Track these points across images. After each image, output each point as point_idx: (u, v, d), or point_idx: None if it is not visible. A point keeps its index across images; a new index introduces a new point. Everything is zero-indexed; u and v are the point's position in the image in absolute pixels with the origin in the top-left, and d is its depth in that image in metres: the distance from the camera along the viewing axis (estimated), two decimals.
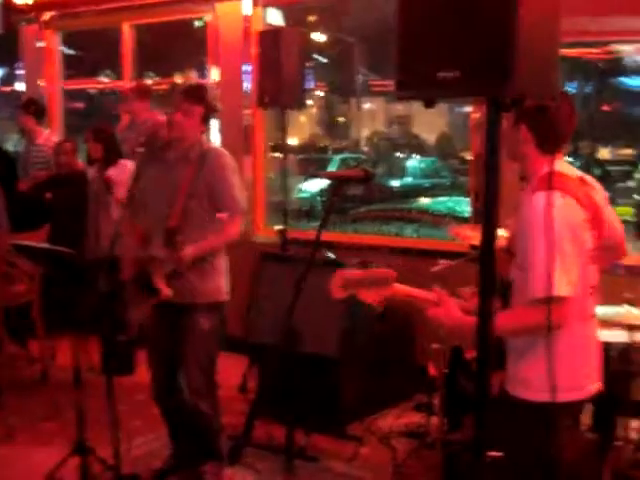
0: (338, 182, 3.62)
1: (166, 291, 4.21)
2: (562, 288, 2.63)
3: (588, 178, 3.04)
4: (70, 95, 9.99)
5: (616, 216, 3.15)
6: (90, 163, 6.62)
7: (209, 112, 4.52)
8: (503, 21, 1.94)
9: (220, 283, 4.58)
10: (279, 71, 6.04)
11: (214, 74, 7.62)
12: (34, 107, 7.95)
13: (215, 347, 4.59)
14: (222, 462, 4.69)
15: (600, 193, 3.04)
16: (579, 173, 3.01)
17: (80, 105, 12.25)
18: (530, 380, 2.85)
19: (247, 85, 7.35)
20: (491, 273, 2.09)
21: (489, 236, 2.09)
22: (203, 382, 4.54)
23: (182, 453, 4.81)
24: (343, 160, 14.33)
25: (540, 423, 2.81)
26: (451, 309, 2.89)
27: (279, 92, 6.06)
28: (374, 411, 5.75)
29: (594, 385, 2.98)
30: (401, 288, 2.95)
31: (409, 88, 2.19)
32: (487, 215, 2.09)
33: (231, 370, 6.01)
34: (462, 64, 1.99)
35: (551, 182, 2.47)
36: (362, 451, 5.26)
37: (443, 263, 4.86)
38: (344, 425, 5.49)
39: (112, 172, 6.30)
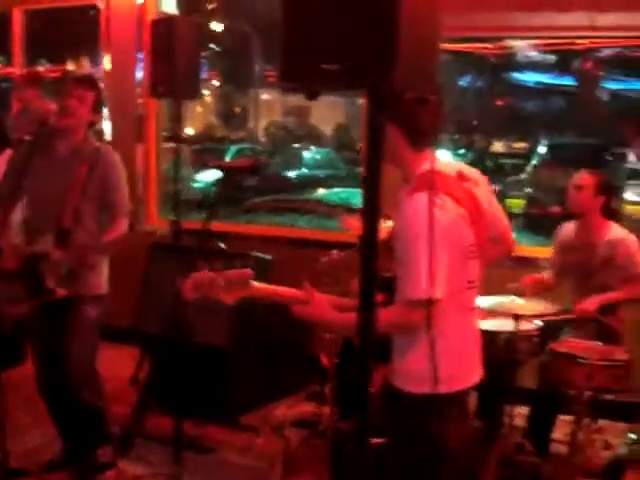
0: (226, 172, 3.62)
1: (60, 292, 4.18)
2: (436, 291, 2.68)
3: (470, 171, 3.08)
4: None
5: (501, 209, 3.21)
6: None
7: (101, 99, 4.50)
8: (385, 14, 1.96)
9: (103, 276, 4.61)
10: (173, 60, 5.97)
11: (107, 62, 7.51)
12: None
13: (98, 337, 4.61)
14: (112, 446, 4.68)
15: (483, 186, 3.08)
16: (458, 167, 3.05)
17: None
18: (413, 373, 2.89)
19: (141, 74, 7.27)
20: (372, 267, 2.12)
21: (370, 230, 2.12)
22: (87, 371, 4.57)
23: (71, 444, 4.75)
24: (239, 150, 14.29)
25: (425, 415, 2.86)
26: (320, 306, 2.91)
27: (173, 81, 5.99)
28: (268, 401, 5.77)
29: (475, 374, 3.04)
30: (262, 287, 2.95)
31: (293, 79, 2.20)
32: (368, 209, 2.12)
33: (122, 362, 5.96)
34: (344, 56, 2.01)
35: (428, 182, 2.50)
36: (256, 441, 5.28)
37: (333, 254, 4.90)
38: (238, 416, 5.50)
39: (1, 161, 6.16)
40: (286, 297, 2.98)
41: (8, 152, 6.16)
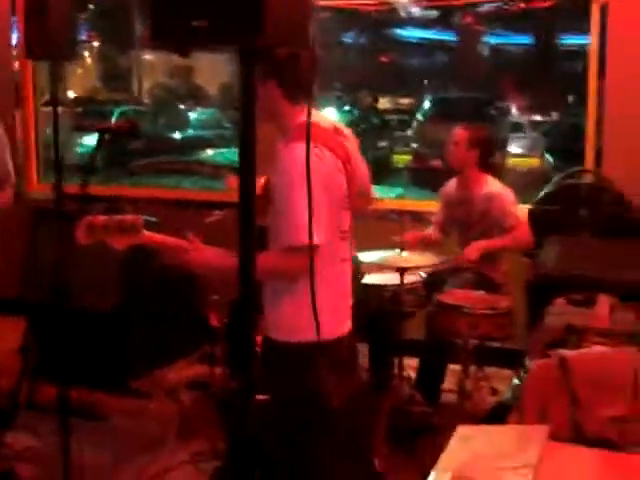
0: (106, 135, 3.55)
1: None
2: (316, 236, 2.72)
3: (341, 127, 3.16)
4: None
5: (366, 165, 3.31)
6: None
7: None
8: None
9: None
10: (47, 20, 5.80)
11: None
12: None
13: None
14: None
15: (353, 142, 3.17)
16: (333, 122, 3.12)
17: None
18: (288, 321, 2.95)
19: (16, 37, 7.07)
20: (250, 221, 2.12)
21: (246, 187, 2.11)
22: None
23: None
24: (123, 113, 14.02)
25: (299, 363, 2.91)
26: (204, 253, 2.94)
27: (48, 42, 5.82)
28: (160, 365, 5.74)
29: (346, 325, 3.10)
30: (152, 235, 2.96)
31: (164, 37, 2.16)
32: (244, 166, 2.11)
33: (10, 333, 5.82)
34: (213, 12, 1.98)
35: (305, 133, 2.51)
36: (150, 406, 5.25)
37: (216, 214, 4.88)
38: (130, 381, 5.46)
39: None
40: (173, 245, 2.99)
41: None
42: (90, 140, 12.67)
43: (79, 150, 11.86)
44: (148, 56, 16.07)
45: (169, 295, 5.87)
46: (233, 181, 5.23)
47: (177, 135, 13.55)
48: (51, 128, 6.92)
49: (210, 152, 12.50)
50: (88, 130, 12.34)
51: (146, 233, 2.90)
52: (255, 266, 2.07)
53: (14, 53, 7.10)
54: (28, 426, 4.82)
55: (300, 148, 2.65)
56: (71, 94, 13.98)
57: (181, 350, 5.90)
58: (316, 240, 2.72)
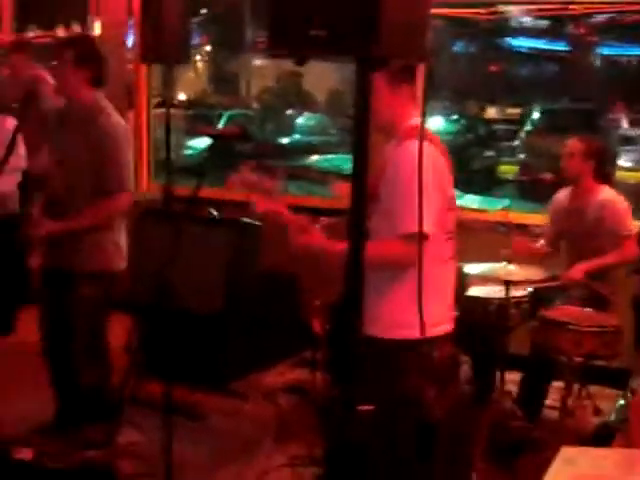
0: (217, 139, 3.61)
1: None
2: (428, 226, 2.81)
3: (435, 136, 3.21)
4: None
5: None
6: None
7: (84, 55, 4.36)
8: None
9: (108, 252, 4.49)
10: (163, 25, 5.93)
11: (97, 28, 7.46)
12: None
13: (99, 316, 4.53)
14: (105, 424, 4.66)
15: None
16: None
17: None
18: (388, 318, 3.01)
19: (132, 40, 7.23)
20: (361, 227, 2.13)
21: (359, 192, 2.12)
22: (85, 348, 4.49)
23: (63, 412, 4.75)
24: (231, 117, 14.19)
25: (399, 362, 2.93)
26: (320, 237, 3.14)
27: (163, 47, 5.95)
28: (259, 367, 5.79)
29: (448, 324, 3.14)
30: (275, 205, 3.06)
31: (281, 45, 2.18)
32: (357, 171, 2.12)
33: (116, 331, 5.94)
34: (331, 22, 2.00)
35: (420, 132, 2.56)
36: (246, 408, 5.30)
37: (323, 220, 4.89)
38: (228, 382, 5.51)
39: None
40: (292, 220, 3.17)
41: None
42: (198, 142, 12.90)
43: (188, 152, 12.07)
44: (257, 61, 16.25)
45: (271, 299, 5.92)
46: (340, 188, 5.25)
47: (284, 140, 13.64)
48: (162, 130, 7.08)
49: (316, 158, 12.54)
50: (198, 133, 12.56)
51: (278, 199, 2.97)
52: (366, 255, 2.10)
53: (129, 55, 7.25)
54: (132, 422, 4.90)
55: (414, 145, 2.70)
56: (181, 96, 14.23)
57: (280, 354, 5.94)
58: (427, 229, 2.78)
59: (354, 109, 2.10)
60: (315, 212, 5.45)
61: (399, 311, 2.96)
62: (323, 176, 10.22)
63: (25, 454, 4.29)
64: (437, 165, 2.97)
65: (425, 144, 2.68)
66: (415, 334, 2.68)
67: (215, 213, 5.85)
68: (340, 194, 5.05)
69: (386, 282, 3.00)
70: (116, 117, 4.42)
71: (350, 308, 2.11)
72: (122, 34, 7.25)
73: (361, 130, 2.10)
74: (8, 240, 5.56)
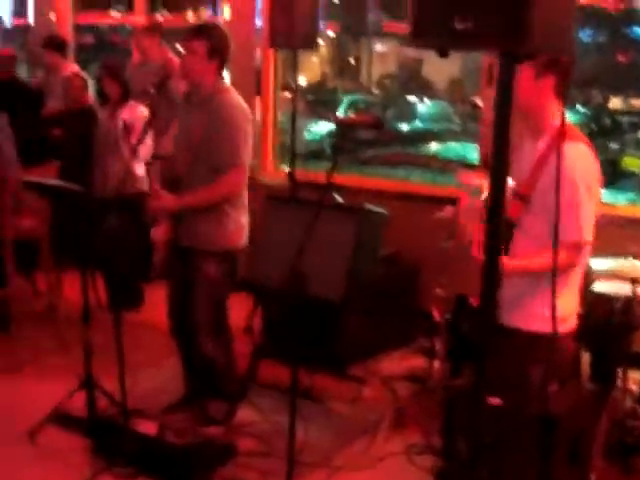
0: (347, 127, 3.63)
1: (160, 236, 4.32)
2: (589, 234, 2.95)
3: None
4: (80, 29, 9.92)
5: None
6: (103, 101, 6.61)
7: (216, 46, 4.43)
8: None
9: (229, 231, 4.57)
10: (292, 10, 5.98)
11: (226, 12, 7.57)
12: (54, 43, 8.07)
13: (222, 294, 4.63)
14: (227, 402, 4.75)
15: None
16: None
17: (89, 40, 12.16)
18: (532, 311, 3.06)
19: (260, 24, 7.30)
20: (499, 221, 2.13)
21: (498, 186, 2.11)
22: (209, 325, 4.59)
23: (191, 389, 4.87)
24: (352, 102, 14.20)
25: (537, 354, 2.99)
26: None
27: (291, 32, 6.00)
28: (376, 353, 5.81)
29: (573, 322, 3.22)
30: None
31: (423, 37, 2.18)
32: (496, 165, 2.11)
33: (237, 311, 6.04)
34: (477, 15, 1.99)
35: (576, 133, 2.57)
36: (364, 393, 5.33)
37: (448, 210, 4.88)
38: (346, 366, 5.55)
39: (125, 114, 6.27)
40: None
41: (131, 104, 6.33)
42: (318, 128, 12.96)
43: (309, 137, 12.15)
44: (378, 46, 16.22)
45: (392, 286, 5.93)
46: (465, 176, 5.22)
47: (404, 127, 13.58)
48: (285, 114, 7.17)
49: (436, 146, 12.46)
50: (321, 118, 12.62)
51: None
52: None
53: (257, 40, 7.33)
54: (253, 402, 5.00)
55: (576, 150, 2.72)
56: (302, 81, 14.32)
57: (399, 341, 5.95)
58: (589, 237, 2.94)
59: (495, 101, 2.09)
60: (439, 201, 5.47)
61: (539, 304, 3.00)
62: (446, 164, 10.15)
63: (149, 428, 4.43)
64: (592, 169, 3.02)
65: (583, 147, 2.72)
66: (548, 328, 2.68)
67: (339, 199, 5.88)
68: (464, 183, 5.05)
69: (529, 277, 3.06)
70: (235, 97, 4.50)
71: (487, 298, 2.11)
72: (251, 19, 7.31)
73: (502, 123, 2.09)
74: (136, 217, 5.72)
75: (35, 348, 5.85)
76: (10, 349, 5.75)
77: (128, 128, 5.85)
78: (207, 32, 4.38)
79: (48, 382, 5.28)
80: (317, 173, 6.24)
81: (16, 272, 5.87)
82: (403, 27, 14.16)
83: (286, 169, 6.68)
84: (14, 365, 5.55)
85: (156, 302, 5.38)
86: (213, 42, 4.38)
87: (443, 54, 2.17)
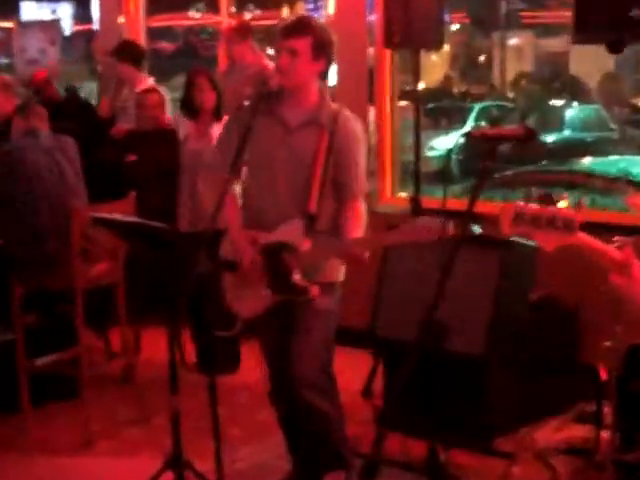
0: (492, 142, 3.61)
1: (314, 291, 4.32)
2: None
3: None
4: (154, 34, 10.17)
5: None
6: (192, 115, 6.69)
7: (322, 44, 4.46)
8: None
9: (335, 261, 4.61)
10: (411, 1, 6.00)
11: (330, 6, 7.64)
12: (130, 51, 8.24)
13: (332, 332, 4.64)
14: (348, 471, 4.73)
15: None
16: None
17: (166, 46, 12.44)
18: None
19: (371, 19, 7.35)
20: None
21: None
22: (320, 374, 4.57)
23: (302, 465, 4.86)
24: (484, 109, 14.17)
25: None
26: None
27: (411, 29, 6.02)
28: (528, 421, 5.73)
29: None
30: (585, 238, 3.00)
31: (590, 30, 2.17)
32: None
33: (352, 370, 6.04)
34: None
35: None
36: (514, 471, 5.26)
37: (618, 240, 4.79)
38: (492, 439, 5.49)
39: (217, 130, 6.36)
40: (607, 257, 3.03)
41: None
42: (443, 142, 12.97)
43: (430, 154, 12.15)
44: (513, 40, 16.13)
45: (546, 337, 5.85)
46: (634, 199, 5.14)
47: (549, 137, 13.44)
48: (403, 127, 7.18)
49: (591, 160, 12.29)
50: (446, 129, 12.63)
51: (581, 235, 2.96)
52: None
53: (369, 38, 7.37)
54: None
55: None
56: (420, 85, 14.35)
57: (557, 405, 5.85)
58: None
59: None
60: (601, 230, 5.39)
61: None
62: (608, 183, 9.99)
63: None
64: None
65: None
66: None
67: (479, 230, 5.85)
68: (635, 207, 4.96)
69: None
70: (345, 112, 4.55)
71: None
72: (361, 14, 7.36)
73: None
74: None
75: (110, 418, 5.96)
76: (81, 419, 5.79)
77: None
78: (310, 27, 4.42)
79: (126, 459, 5.36)
80: (444, 199, 6.19)
81: (87, 328, 5.98)
82: (544, 16, 14.13)
83: (407, 195, 6.68)
84: (85, 439, 5.65)
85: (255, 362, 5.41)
86: (319, 39, 4.41)
87: (616, 49, 2.16)
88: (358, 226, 4.49)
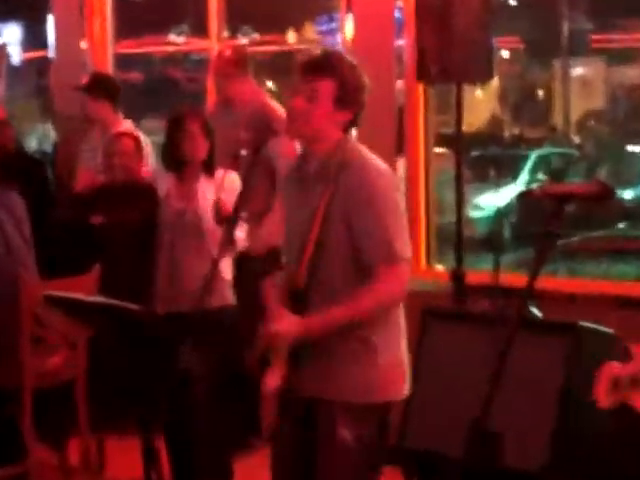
0: (556, 202, 3.64)
1: (271, 384, 4.32)
2: None
3: None
4: (123, 62, 10.24)
5: None
6: (176, 168, 6.67)
7: (349, 89, 4.46)
8: None
9: (380, 370, 4.54)
10: (449, 24, 6.05)
11: (348, 27, 7.69)
12: (105, 86, 8.26)
13: (365, 469, 4.58)
14: None
15: None
16: None
17: (138, 77, 12.49)
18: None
19: (400, 44, 7.41)
20: None
21: None
22: None
23: None
24: (542, 158, 14.17)
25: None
26: None
27: (451, 57, 6.05)
28: None
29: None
30: None
31: None
32: None
33: None
34: None
35: None
36: None
37: None
38: None
39: (207, 188, 6.36)
40: None
41: (218, 174, 6.42)
42: (490, 200, 12.98)
43: (476, 215, 12.17)
44: (578, 70, 16.18)
45: (625, 447, 5.83)
46: None
47: (625, 194, 13.44)
48: (441, 181, 7.23)
49: None
50: (496, 184, 12.63)
51: None
52: None
53: (397, 70, 7.43)
54: None
55: None
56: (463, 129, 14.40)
57: None
58: None
59: None
60: None
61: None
62: None
63: None
64: None
65: None
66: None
67: (538, 313, 5.87)
68: None
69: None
70: (373, 157, 4.52)
71: None
72: (388, 38, 7.42)
73: None
74: (227, 347, 5.78)
75: None
76: None
77: (221, 207, 5.88)
78: (336, 66, 4.42)
79: None
80: (496, 272, 6.20)
81: (38, 438, 5.97)
82: (619, 39, 14.20)
83: (446, 267, 6.70)
84: None
85: None
86: (345, 82, 4.42)
87: None
88: (360, 302, 4.36)
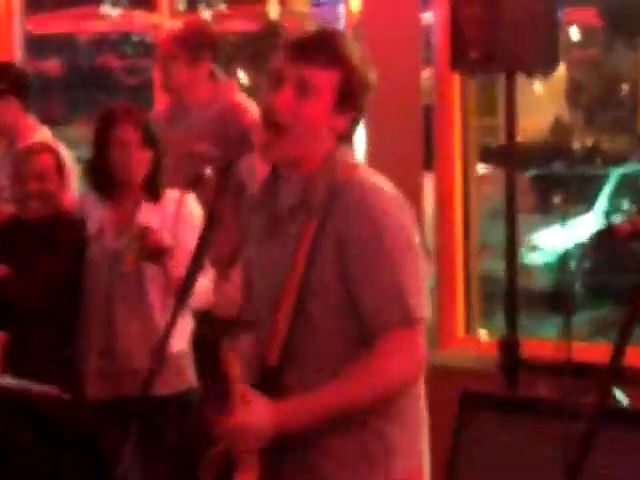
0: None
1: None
2: None
3: None
4: (36, 46, 10.29)
5: None
6: (108, 191, 6.64)
7: (353, 87, 4.46)
8: None
9: (390, 470, 4.57)
10: (500, 6, 6.12)
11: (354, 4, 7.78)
12: (11, 79, 8.20)
13: None
14: None
15: None
16: None
17: (55, 67, 12.54)
18: None
19: (427, 20, 7.49)
20: None
21: None
22: None
23: None
24: (627, 178, 14.26)
25: None
26: None
27: (499, 39, 6.12)
28: None
29: None
30: None
31: None
32: None
33: None
34: None
35: None
36: None
37: None
38: None
39: (148, 216, 6.35)
40: None
41: (167, 198, 6.44)
42: (556, 237, 13.06)
43: (531, 259, 12.25)
44: None
45: None
46: None
47: None
48: (485, 210, 7.31)
49: None
50: (563, 214, 12.68)
51: None
52: None
53: (423, 55, 7.48)
54: None
55: None
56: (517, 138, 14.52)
57: None
58: None
59: None
60: None
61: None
62: None
63: None
64: None
65: None
66: None
67: (623, 399, 5.90)
68: None
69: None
70: (377, 179, 4.50)
71: None
72: (410, 12, 7.49)
73: None
74: (184, 449, 5.82)
75: None
76: None
77: (159, 247, 5.89)
78: (342, 54, 4.38)
79: None
80: (567, 342, 6.23)
81: None
82: None
83: (493, 335, 6.76)
84: None
85: None
86: (350, 76, 4.38)
87: None
88: (375, 371, 4.25)
